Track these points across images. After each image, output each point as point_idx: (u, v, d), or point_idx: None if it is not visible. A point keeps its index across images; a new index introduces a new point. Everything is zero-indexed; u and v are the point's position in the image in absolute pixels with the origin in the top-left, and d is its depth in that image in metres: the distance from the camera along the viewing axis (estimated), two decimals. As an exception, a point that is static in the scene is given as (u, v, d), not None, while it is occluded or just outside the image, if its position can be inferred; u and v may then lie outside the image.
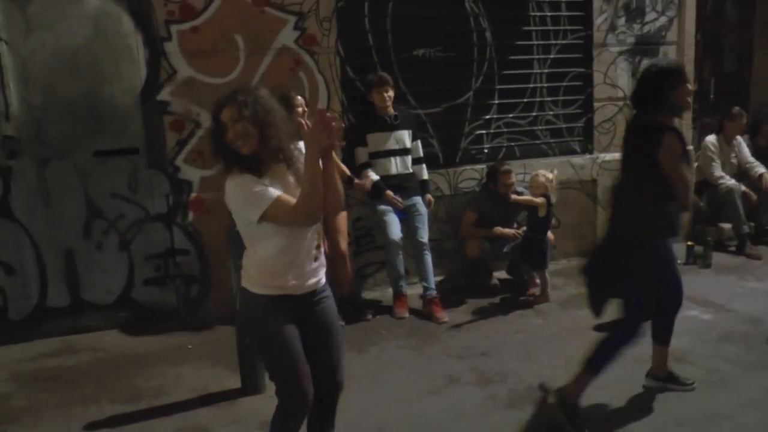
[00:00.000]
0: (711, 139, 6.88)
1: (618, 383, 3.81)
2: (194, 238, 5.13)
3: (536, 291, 5.41)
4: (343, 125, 4.79)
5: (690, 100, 3.49)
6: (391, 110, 5.15)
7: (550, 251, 5.48)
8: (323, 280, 2.74)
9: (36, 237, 4.84)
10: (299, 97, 4.72)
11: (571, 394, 3.46)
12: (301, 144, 2.58)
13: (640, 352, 3.78)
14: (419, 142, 5.36)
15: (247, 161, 2.50)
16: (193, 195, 5.10)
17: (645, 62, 6.54)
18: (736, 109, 6.88)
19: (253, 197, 2.47)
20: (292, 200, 2.50)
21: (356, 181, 5.07)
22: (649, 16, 6.56)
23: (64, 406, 3.88)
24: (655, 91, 3.32)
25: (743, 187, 6.69)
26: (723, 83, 7.93)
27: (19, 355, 4.63)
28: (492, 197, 5.47)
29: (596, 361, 3.47)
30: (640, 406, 3.69)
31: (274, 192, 2.48)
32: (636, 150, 3.44)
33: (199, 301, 5.20)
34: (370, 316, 5.11)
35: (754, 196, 6.68)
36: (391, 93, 5.12)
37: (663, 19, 6.63)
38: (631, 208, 3.46)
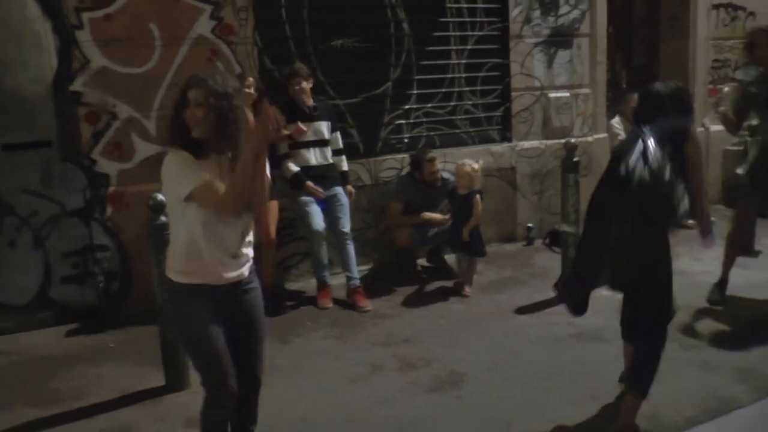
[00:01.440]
0: (614, 120, 7.16)
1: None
2: (113, 234, 5.01)
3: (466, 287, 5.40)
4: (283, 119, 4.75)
5: None
6: (309, 101, 5.15)
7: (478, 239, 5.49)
8: (247, 272, 2.73)
9: (-59, 236, 4.63)
10: (251, 78, 4.70)
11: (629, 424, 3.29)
12: None
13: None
14: (339, 133, 5.38)
15: (191, 141, 2.52)
16: (111, 189, 4.97)
17: (561, 54, 6.76)
18: (632, 93, 7.16)
19: (184, 174, 2.48)
20: (222, 188, 2.51)
21: (295, 128, 4.98)
22: (563, 9, 6.77)
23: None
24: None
25: None
26: (633, 75, 8.26)
27: (-75, 360, 4.42)
28: (416, 185, 5.56)
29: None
30: (558, 384, 3.83)
31: (206, 174, 2.50)
32: None
33: (120, 297, 5.08)
34: (292, 307, 5.13)
35: None
36: (304, 84, 5.10)
37: (576, 12, 6.85)
38: None
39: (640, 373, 3.26)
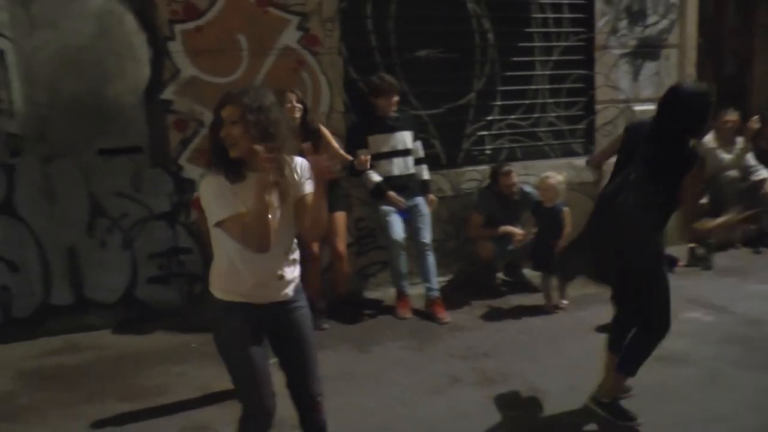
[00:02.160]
0: (707, 137, 6.92)
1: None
2: (197, 237, 5.14)
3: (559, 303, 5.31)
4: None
5: None
6: (392, 112, 5.17)
7: None
8: (292, 292, 2.65)
9: (39, 235, 4.85)
10: (291, 93, 4.74)
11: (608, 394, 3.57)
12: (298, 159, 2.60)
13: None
14: (420, 143, 5.39)
15: (229, 163, 2.45)
16: (196, 194, 5.09)
17: (648, 65, 6.58)
18: (729, 110, 6.93)
19: (217, 202, 2.44)
20: (244, 222, 2.43)
21: (357, 160, 4.94)
22: (651, 18, 6.59)
23: (68, 404, 3.89)
24: (703, 116, 3.32)
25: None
26: (724, 86, 7.95)
27: (22, 353, 4.63)
28: (496, 198, 5.51)
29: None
30: (640, 406, 3.71)
31: (237, 206, 2.42)
32: (667, 165, 3.33)
33: (203, 299, 5.18)
34: (367, 317, 5.14)
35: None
36: (396, 99, 5.15)
37: (665, 22, 6.65)
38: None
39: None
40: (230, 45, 5.06)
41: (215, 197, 2.44)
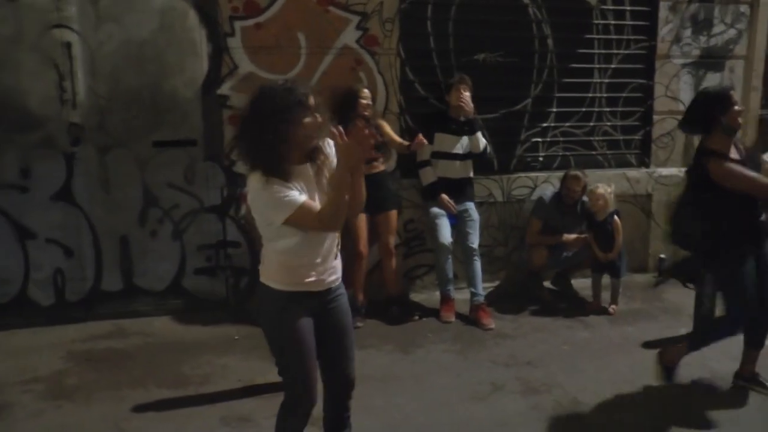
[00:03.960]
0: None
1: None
2: (245, 231, 5.20)
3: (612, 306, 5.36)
4: (378, 138, 4.70)
5: (740, 120, 3.65)
6: (467, 114, 5.11)
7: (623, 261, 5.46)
8: (340, 278, 2.75)
9: (94, 222, 4.98)
10: (366, 90, 4.79)
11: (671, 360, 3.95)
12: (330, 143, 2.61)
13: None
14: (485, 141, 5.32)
15: (278, 162, 2.46)
16: (247, 189, 5.15)
17: (711, 77, 6.40)
18: None
19: (278, 201, 2.45)
20: (316, 206, 2.50)
21: (414, 142, 4.98)
22: (717, 28, 6.39)
23: (114, 386, 3.97)
24: (707, 114, 3.63)
25: None
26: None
27: (73, 335, 4.75)
28: (556, 205, 5.45)
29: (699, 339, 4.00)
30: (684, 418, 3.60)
31: (299, 198, 2.47)
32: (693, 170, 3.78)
33: (248, 293, 5.26)
34: (417, 317, 5.11)
35: None
36: (467, 93, 5.10)
37: (732, 32, 6.44)
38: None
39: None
40: (289, 42, 5.10)
41: (274, 198, 2.45)
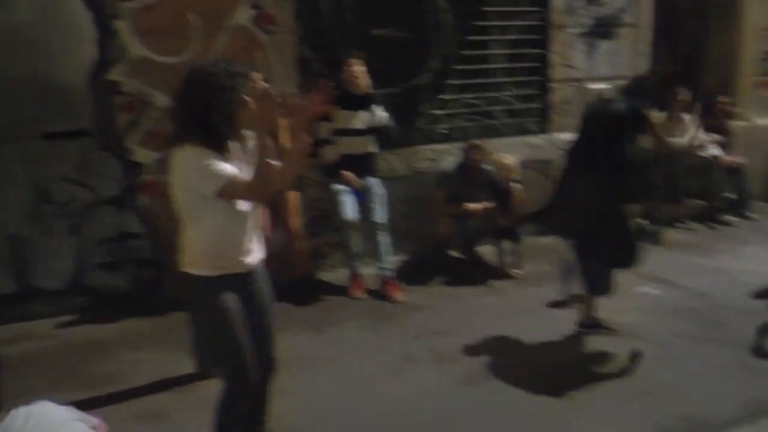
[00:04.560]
0: (657, 114, 7.04)
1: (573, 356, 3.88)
2: (148, 222, 5.05)
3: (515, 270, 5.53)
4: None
5: None
6: (362, 89, 5.10)
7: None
8: (261, 259, 2.79)
9: (-19, 222, 4.71)
10: (256, 74, 4.68)
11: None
12: None
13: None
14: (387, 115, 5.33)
15: (216, 139, 2.49)
16: (147, 177, 5.01)
17: (604, 45, 6.63)
18: (681, 89, 7.07)
19: (210, 171, 2.46)
20: (247, 178, 2.53)
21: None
22: (608, -2, 6.62)
23: (28, 392, 3.77)
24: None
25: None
26: (678, 66, 8.05)
27: (-28, 343, 4.51)
28: (463, 175, 5.54)
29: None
30: (593, 380, 3.78)
31: (232, 169, 2.49)
32: None
33: (155, 285, 5.12)
34: (326, 297, 5.12)
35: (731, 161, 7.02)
36: (357, 68, 5.06)
37: (621, 2, 6.68)
38: None
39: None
40: (180, 24, 4.92)
41: (206, 168, 2.46)
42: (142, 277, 5.12)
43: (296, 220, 5.05)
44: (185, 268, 2.65)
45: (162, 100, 4.94)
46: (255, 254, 2.73)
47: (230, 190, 2.48)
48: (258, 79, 4.54)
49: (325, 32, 5.48)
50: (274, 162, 2.52)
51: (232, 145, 2.57)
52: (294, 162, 2.51)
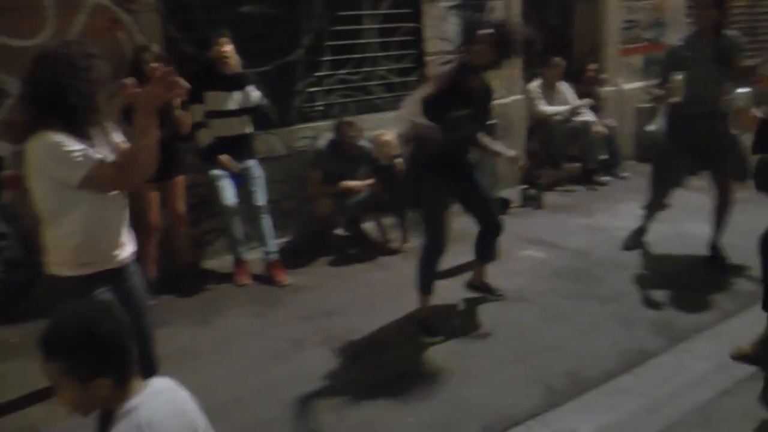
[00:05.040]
0: (533, 84, 7.34)
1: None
2: (13, 220, 4.68)
3: (397, 244, 5.53)
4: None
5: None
6: (233, 68, 4.90)
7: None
8: (133, 254, 2.62)
9: None
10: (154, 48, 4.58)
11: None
12: None
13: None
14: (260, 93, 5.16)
15: (76, 123, 2.32)
16: (7, 172, 4.64)
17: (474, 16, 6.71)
18: (556, 58, 7.36)
19: (73, 158, 2.27)
20: (114, 162, 2.37)
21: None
22: (476, -29, 6.69)
23: None
24: None
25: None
26: (548, 37, 8.30)
27: None
28: (334, 153, 5.46)
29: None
30: (482, 345, 3.83)
31: (96, 154, 2.32)
32: None
33: (23, 288, 4.77)
34: (211, 286, 4.96)
35: (604, 130, 7.31)
36: (228, 47, 4.85)
37: (489, -26, 6.78)
38: None
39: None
40: (32, 2, 4.54)
41: (69, 154, 2.26)
42: (10, 281, 4.75)
43: (181, 205, 4.86)
44: (53, 269, 2.45)
45: (17, 86, 4.58)
46: (127, 248, 2.56)
47: (97, 176, 2.31)
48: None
49: (190, 10, 5.23)
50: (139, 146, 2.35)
51: (93, 130, 2.40)
52: (151, 146, 2.35)
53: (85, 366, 1.63)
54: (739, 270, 4.65)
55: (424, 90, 3.76)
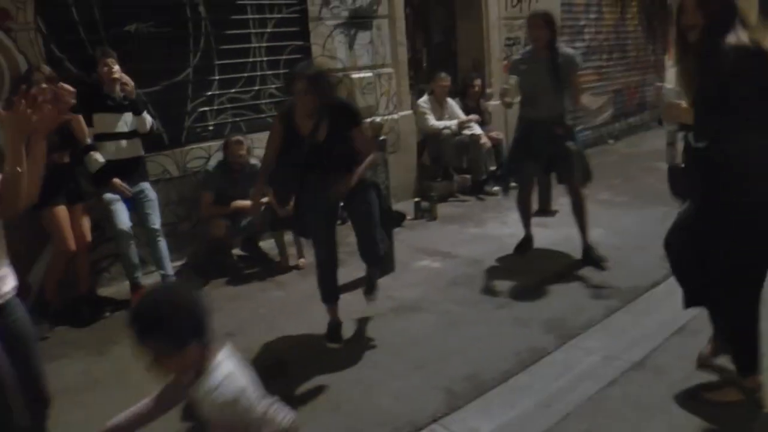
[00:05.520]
0: (422, 99, 7.61)
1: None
2: None
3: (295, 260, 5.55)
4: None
5: None
6: (119, 91, 4.80)
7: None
8: (15, 287, 2.42)
9: None
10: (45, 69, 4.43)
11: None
12: None
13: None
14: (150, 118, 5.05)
15: None
16: None
17: (362, 35, 6.84)
18: (442, 73, 7.65)
19: None
20: None
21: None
22: (360, -10, 6.84)
23: None
24: None
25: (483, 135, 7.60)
26: (433, 53, 8.59)
27: None
28: (224, 173, 5.40)
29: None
30: (382, 357, 3.90)
31: None
32: None
33: None
34: (107, 314, 4.80)
35: (488, 143, 7.58)
36: (115, 67, 4.75)
37: (373, -6, 6.95)
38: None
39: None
40: None
41: None
42: None
43: (87, 230, 4.75)
44: None
45: None
46: (8, 282, 2.36)
47: None
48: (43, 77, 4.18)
49: (73, 29, 5.06)
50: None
51: None
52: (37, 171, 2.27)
53: (178, 335, 1.88)
54: (619, 267, 4.97)
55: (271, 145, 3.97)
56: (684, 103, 3.02)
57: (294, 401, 3.45)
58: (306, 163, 3.87)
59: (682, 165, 3.13)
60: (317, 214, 4.01)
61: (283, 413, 2.06)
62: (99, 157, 4.75)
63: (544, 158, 5.14)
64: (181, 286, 2.04)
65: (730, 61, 2.70)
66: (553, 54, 4.96)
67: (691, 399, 3.15)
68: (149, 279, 5.03)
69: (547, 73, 4.95)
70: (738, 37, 2.72)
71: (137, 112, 4.87)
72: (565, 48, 5.14)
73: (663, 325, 3.97)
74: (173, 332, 1.89)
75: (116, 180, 4.78)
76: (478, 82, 8.06)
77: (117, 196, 4.81)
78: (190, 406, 2.04)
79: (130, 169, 4.91)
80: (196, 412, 2.02)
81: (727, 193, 2.82)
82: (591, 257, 5.13)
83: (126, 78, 4.81)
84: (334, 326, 4.16)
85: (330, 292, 4.15)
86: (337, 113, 3.90)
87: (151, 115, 5.06)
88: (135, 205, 4.92)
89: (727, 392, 3.11)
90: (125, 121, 4.84)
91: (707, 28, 2.81)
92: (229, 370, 1.98)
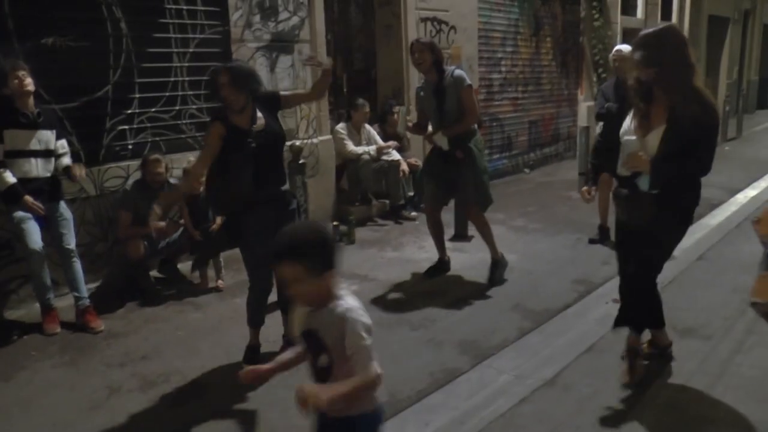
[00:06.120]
0: (340, 125, 7.78)
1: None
2: None
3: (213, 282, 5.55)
4: None
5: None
6: (32, 106, 4.65)
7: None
8: None
9: None
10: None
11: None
12: None
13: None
14: (65, 141, 4.93)
15: None
16: None
17: (283, 59, 6.92)
18: (360, 100, 7.87)
19: None
20: None
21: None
22: (283, 15, 6.93)
23: None
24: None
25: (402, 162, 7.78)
26: (354, 79, 8.74)
27: None
28: (142, 192, 5.33)
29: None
30: (295, 375, 3.92)
31: None
32: None
33: None
34: (15, 337, 4.64)
35: (406, 169, 7.80)
36: (28, 80, 4.59)
37: (296, 19, 7.05)
38: None
39: None
40: None
41: None
42: None
43: None
44: None
45: None
46: None
47: None
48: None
49: (-16, 41, 4.91)
50: None
51: None
52: None
53: (321, 262, 2.07)
54: (532, 290, 5.21)
55: (209, 151, 3.95)
56: (643, 154, 3.35)
57: (211, 424, 3.47)
58: (255, 154, 3.87)
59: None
60: (268, 246, 3.97)
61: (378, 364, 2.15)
62: (9, 176, 4.59)
63: (443, 182, 5.33)
64: (321, 224, 2.26)
65: (692, 116, 3.18)
66: (440, 76, 5.16)
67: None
68: (61, 301, 4.91)
69: (434, 95, 5.17)
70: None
71: (49, 124, 4.74)
72: (457, 70, 5.26)
73: (572, 345, 4.19)
74: (323, 255, 2.09)
75: (27, 198, 4.62)
76: (397, 109, 8.24)
77: (29, 215, 4.65)
78: (308, 334, 2.19)
79: (43, 187, 4.76)
80: (314, 344, 2.18)
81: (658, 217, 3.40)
82: (493, 273, 5.40)
83: (32, 89, 4.65)
84: (254, 349, 4.17)
85: (260, 316, 4.17)
86: (263, 100, 4.04)
87: (67, 132, 4.95)
88: (49, 224, 4.78)
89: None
90: (38, 139, 4.70)
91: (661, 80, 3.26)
92: (352, 299, 2.16)
